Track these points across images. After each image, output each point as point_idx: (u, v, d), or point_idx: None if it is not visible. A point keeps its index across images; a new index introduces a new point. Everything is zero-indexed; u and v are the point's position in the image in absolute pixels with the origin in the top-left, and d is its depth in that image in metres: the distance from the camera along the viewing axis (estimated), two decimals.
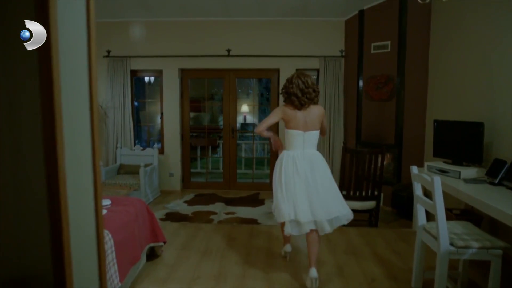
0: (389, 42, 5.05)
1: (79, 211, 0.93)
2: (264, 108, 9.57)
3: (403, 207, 4.79)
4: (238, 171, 6.49)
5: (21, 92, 0.90)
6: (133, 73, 6.03)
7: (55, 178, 0.79)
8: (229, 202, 5.51)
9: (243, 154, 7.83)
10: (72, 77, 0.94)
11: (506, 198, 2.67)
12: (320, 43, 5.76)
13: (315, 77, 6.03)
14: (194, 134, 6.97)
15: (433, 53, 4.68)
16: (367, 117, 5.43)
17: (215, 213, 4.96)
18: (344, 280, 3.06)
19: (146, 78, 6.69)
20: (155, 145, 5.98)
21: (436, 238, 2.59)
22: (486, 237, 2.54)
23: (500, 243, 2.45)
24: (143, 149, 5.94)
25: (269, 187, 6.15)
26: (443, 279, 2.49)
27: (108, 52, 5.88)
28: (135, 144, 6.05)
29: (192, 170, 6.61)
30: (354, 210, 4.30)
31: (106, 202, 3.16)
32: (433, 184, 2.53)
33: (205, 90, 6.58)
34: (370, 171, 4.28)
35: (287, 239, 3.29)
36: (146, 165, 5.58)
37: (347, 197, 4.27)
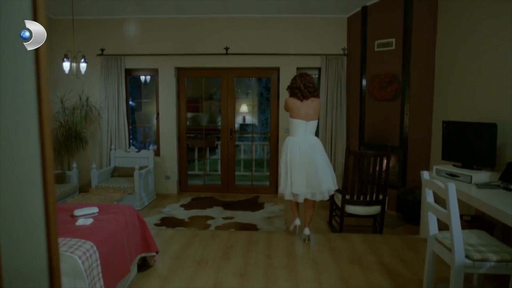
0: (393, 40, 4.86)
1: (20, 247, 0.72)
2: (263, 108, 9.37)
3: (408, 212, 4.59)
4: (237, 173, 6.30)
5: None
6: (128, 72, 5.83)
7: None
8: (227, 206, 5.30)
9: (242, 156, 7.63)
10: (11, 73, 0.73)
11: None
12: (321, 41, 5.57)
13: (317, 76, 5.83)
14: (192, 135, 6.77)
15: (440, 51, 4.48)
16: (370, 118, 5.23)
17: (212, 218, 4.76)
18: None
19: (142, 78, 6.49)
20: (151, 147, 5.77)
21: (449, 249, 2.39)
22: (505, 249, 2.34)
23: None
24: (138, 151, 5.74)
25: (269, 190, 6.01)
26: None
27: (102, 50, 5.69)
28: (130, 146, 5.85)
29: (189, 172, 6.41)
30: (358, 216, 4.18)
31: (93, 210, 2.96)
32: (447, 191, 2.33)
33: (203, 90, 6.37)
34: (375, 175, 4.08)
35: (296, 214, 3.78)
36: (141, 168, 5.38)
37: (350, 202, 4.10)
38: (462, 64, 4.03)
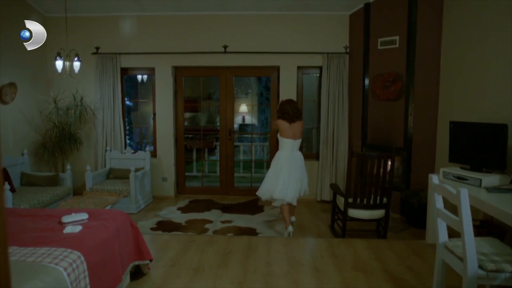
0: (397, 37, 4.72)
1: None
2: (263, 108, 9.21)
3: (413, 215, 4.45)
4: (236, 174, 6.16)
5: None
6: (124, 71, 5.69)
7: None
8: (226, 209, 5.16)
9: (241, 157, 7.48)
10: None
11: None
12: (323, 38, 5.43)
13: (318, 75, 5.68)
14: (190, 135, 6.62)
15: (446, 49, 4.35)
16: (373, 118, 5.08)
17: (210, 222, 4.61)
18: None
19: (139, 77, 6.34)
20: (147, 148, 5.62)
21: (461, 259, 2.25)
22: None
23: None
24: (135, 152, 5.60)
25: None
26: None
27: (97, 48, 5.55)
28: (126, 147, 5.70)
29: (187, 174, 6.26)
30: (361, 220, 4.03)
31: (83, 216, 2.81)
32: (459, 197, 2.20)
33: (201, 89, 6.22)
34: (379, 177, 3.92)
35: (287, 222, 4.12)
36: (137, 169, 5.23)
37: (353, 206, 3.95)
38: (470, 62, 3.89)
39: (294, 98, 5.55)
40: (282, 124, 4.08)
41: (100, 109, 5.53)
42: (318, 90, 5.75)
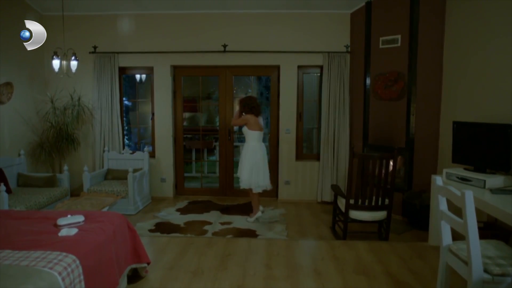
0: (399, 36, 4.66)
1: None
2: (263, 108, 9.13)
3: (415, 216, 4.39)
4: (235, 174, 6.06)
5: None
6: (122, 70, 5.63)
7: None
8: (225, 210, 5.10)
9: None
10: None
11: None
12: (323, 37, 5.36)
13: (319, 74, 5.62)
14: (189, 136, 6.55)
15: (449, 47, 4.29)
16: (375, 118, 5.01)
17: (209, 223, 4.55)
18: None
19: (137, 76, 6.26)
20: (146, 148, 5.56)
21: (466, 262, 2.20)
22: None
23: None
24: (133, 153, 5.53)
25: (268, 193, 5.79)
26: None
27: (95, 47, 5.48)
28: (124, 147, 5.63)
29: (186, 174, 6.19)
30: (362, 222, 3.97)
31: (78, 218, 2.75)
32: (464, 199, 2.14)
33: (200, 89, 6.15)
34: (380, 178, 3.86)
35: (258, 208, 4.65)
36: (135, 170, 5.18)
37: (354, 207, 3.88)
38: (473, 61, 3.83)
39: (294, 98, 5.53)
40: (251, 118, 4.47)
41: (98, 109, 5.46)
42: (318, 89, 5.69)
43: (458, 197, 2.19)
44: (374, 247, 3.72)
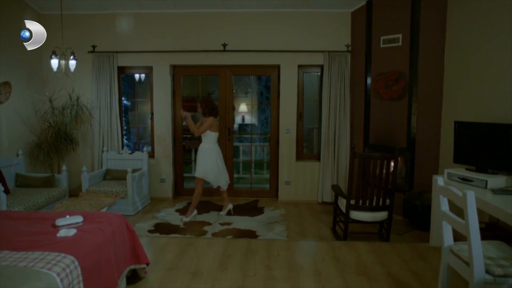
0: (400, 35, 4.63)
1: None
2: (263, 107, 9.11)
3: (416, 217, 4.36)
4: (235, 175, 6.07)
5: None
6: (121, 70, 5.59)
7: None
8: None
9: (241, 157, 7.40)
10: None
11: None
12: (324, 37, 5.33)
13: (319, 74, 5.59)
14: (188, 136, 6.51)
15: (450, 47, 4.28)
16: (376, 118, 4.99)
17: (209, 224, 4.52)
18: None
19: (136, 76, 6.24)
20: (145, 148, 5.53)
21: (467, 263, 2.18)
22: None
23: None
24: (132, 153, 5.50)
25: (269, 194, 5.78)
26: None
27: (94, 47, 5.45)
28: (123, 147, 5.60)
29: (185, 175, 6.16)
30: (363, 222, 3.95)
31: (77, 219, 2.72)
32: (465, 200, 2.13)
33: (199, 89, 6.12)
34: (381, 178, 3.84)
35: (227, 201, 4.92)
36: (134, 170, 5.15)
37: (355, 208, 3.86)
38: (475, 60, 3.81)
39: (294, 97, 5.51)
40: (214, 120, 4.61)
41: (97, 108, 5.43)
42: (319, 89, 5.67)
43: (459, 198, 2.18)
44: (375, 248, 3.69)
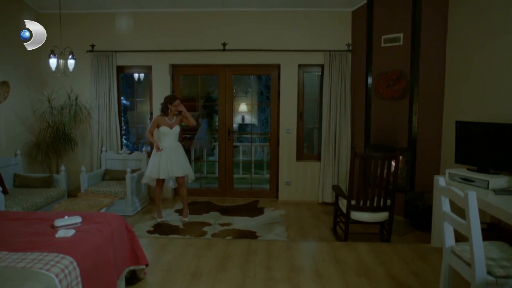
0: (401, 35, 4.60)
1: None
2: (264, 107, 9.09)
3: (417, 218, 4.34)
4: (235, 175, 6.04)
5: None
6: (120, 69, 5.56)
7: None
8: (225, 211, 5.04)
9: (241, 157, 7.37)
10: None
11: None
12: (324, 36, 5.31)
13: (320, 73, 5.57)
14: (188, 136, 6.49)
15: (452, 46, 4.25)
16: (377, 118, 4.97)
17: (209, 224, 4.49)
18: None
19: (136, 75, 6.21)
20: (144, 148, 5.50)
21: (469, 264, 2.18)
22: None
23: None
24: (131, 153, 5.48)
25: (269, 194, 5.75)
26: None
27: (92, 46, 5.42)
28: (122, 147, 5.57)
29: None
30: (364, 223, 3.92)
31: (76, 220, 2.69)
32: (467, 200, 2.13)
33: (199, 88, 6.10)
34: (382, 178, 3.82)
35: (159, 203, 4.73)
36: (133, 171, 5.12)
37: (356, 208, 3.83)
38: (476, 59, 3.79)
39: (295, 97, 5.49)
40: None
41: (96, 108, 5.40)
42: (319, 89, 5.64)
43: (461, 198, 2.17)
44: (375, 248, 3.67)
